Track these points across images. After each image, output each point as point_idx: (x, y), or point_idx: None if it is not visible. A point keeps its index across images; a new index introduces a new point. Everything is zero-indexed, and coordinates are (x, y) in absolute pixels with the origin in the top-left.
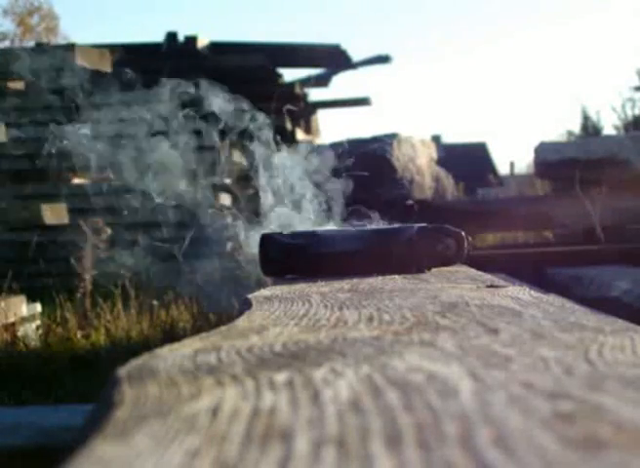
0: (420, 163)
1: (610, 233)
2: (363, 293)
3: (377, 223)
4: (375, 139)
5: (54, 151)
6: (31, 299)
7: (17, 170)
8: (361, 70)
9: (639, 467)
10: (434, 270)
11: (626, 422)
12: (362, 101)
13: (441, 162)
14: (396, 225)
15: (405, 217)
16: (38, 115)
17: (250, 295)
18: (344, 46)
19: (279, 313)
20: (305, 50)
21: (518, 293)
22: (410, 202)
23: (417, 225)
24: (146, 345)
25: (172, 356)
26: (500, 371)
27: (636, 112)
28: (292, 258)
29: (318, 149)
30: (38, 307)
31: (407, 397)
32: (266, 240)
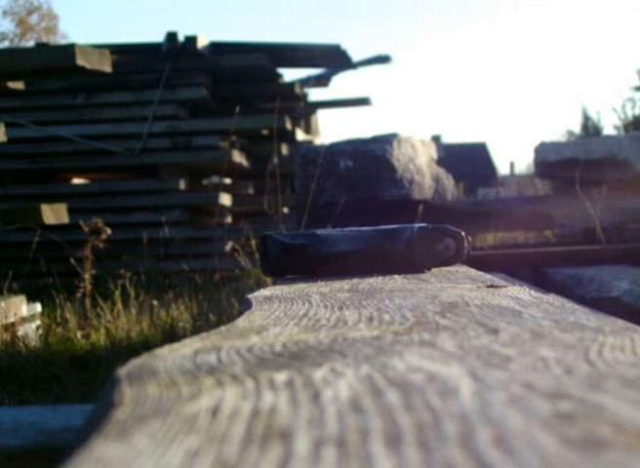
0: (419, 163)
1: (610, 233)
2: (363, 293)
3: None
4: (375, 139)
5: (54, 151)
6: (31, 299)
7: (17, 170)
8: (361, 70)
9: (639, 467)
10: (434, 270)
11: (626, 422)
12: (362, 101)
13: (441, 162)
14: (396, 225)
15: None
16: (39, 115)
17: (250, 295)
18: (344, 46)
19: (279, 313)
20: (305, 50)
21: (518, 293)
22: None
23: (417, 225)
24: (146, 345)
25: (172, 356)
26: (500, 371)
27: (636, 112)
28: (292, 258)
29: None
30: (38, 307)
31: (407, 397)
32: (266, 240)
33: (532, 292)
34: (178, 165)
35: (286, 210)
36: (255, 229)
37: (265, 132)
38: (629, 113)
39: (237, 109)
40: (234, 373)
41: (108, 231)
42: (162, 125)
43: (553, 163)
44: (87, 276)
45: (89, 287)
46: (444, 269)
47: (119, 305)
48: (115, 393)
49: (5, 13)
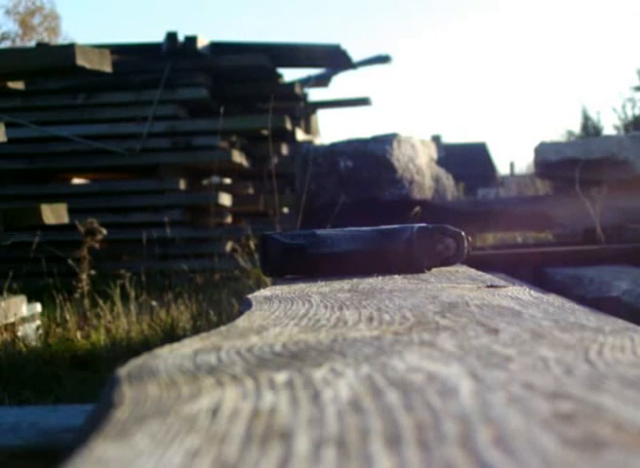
0: (419, 163)
1: (610, 233)
2: (363, 293)
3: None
4: (375, 139)
5: (54, 151)
6: (31, 299)
7: (17, 170)
8: (361, 70)
9: (639, 467)
10: (434, 270)
11: (626, 422)
12: (362, 101)
13: (441, 162)
14: (396, 225)
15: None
16: (39, 115)
17: (250, 295)
18: (344, 46)
19: (279, 313)
20: (305, 50)
21: (518, 293)
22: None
23: (417, 225)
24: (146, 345)
25: (172, 356)
26: (500, 371)
27: (636, 112)
28: (292, 258)
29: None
30: (38, 307)
31: (407, 397)
32: (266, 240)
33: (532, 292)
34: (177, 165)
35: (286, 210)
36: (255, 229)
37: (265, 132)
38: (629, 113)
39: (233, 109)
40: (234, 373)
41: (104, 232)
42: (162, 125)
43: (553, 163)
44: (84, 276)
45: (86, 287)
46: (444, 269)
47: (119, 305)
48: (115, 393)
49: (8, 12)
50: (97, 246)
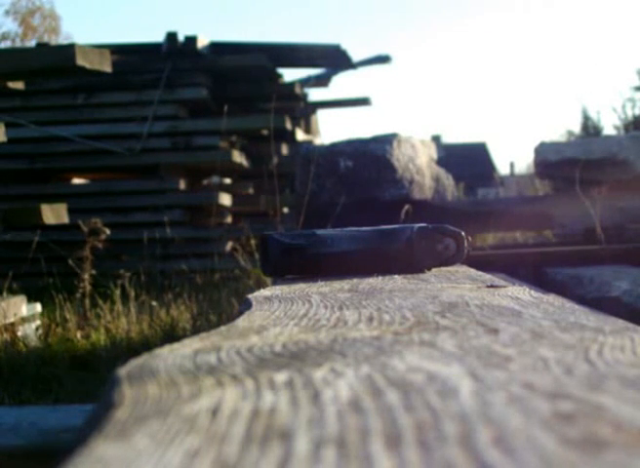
0: (419, 163)
1: (610, 233)
2: (363, 293)
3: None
4: (375, 139)
5: (54, 151)
6: (31, 299)
7: (17, 170)
8: (361, 70)
9: (639, 467)
10: (434, 270)
11: (626, 422)
12: (362, 101)
13: (441, 162)
14: (396, 225)
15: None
16: (39, 115)
17: (250, 295)
18: (344, 46)
19: (279, 313)
20: (305, 50)
21: (518, 293)
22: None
23: (417, 225)
24: (146, 345)
25: (172, 356)
26: (500, 371)
27: (636, 112)
28: (292, 258)
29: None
30: (38, 307)
31: (407, 397)
32: (267, 240)
33: (532, 292)
34: (178, 165)
35: (286, 210)
36: (255, 229)
37: (265, 132)
38: (629, 113)
39: (233, 109)
40: (234, 373)
41: (107, 231)
42: (162, 125)
43: (553, 163)
44: (86, 276)
45: (88, 287)
46: (444, 269)
47: (119, 305)
48: (115, 393)
49: (7, 12)
50: (100, 245)
